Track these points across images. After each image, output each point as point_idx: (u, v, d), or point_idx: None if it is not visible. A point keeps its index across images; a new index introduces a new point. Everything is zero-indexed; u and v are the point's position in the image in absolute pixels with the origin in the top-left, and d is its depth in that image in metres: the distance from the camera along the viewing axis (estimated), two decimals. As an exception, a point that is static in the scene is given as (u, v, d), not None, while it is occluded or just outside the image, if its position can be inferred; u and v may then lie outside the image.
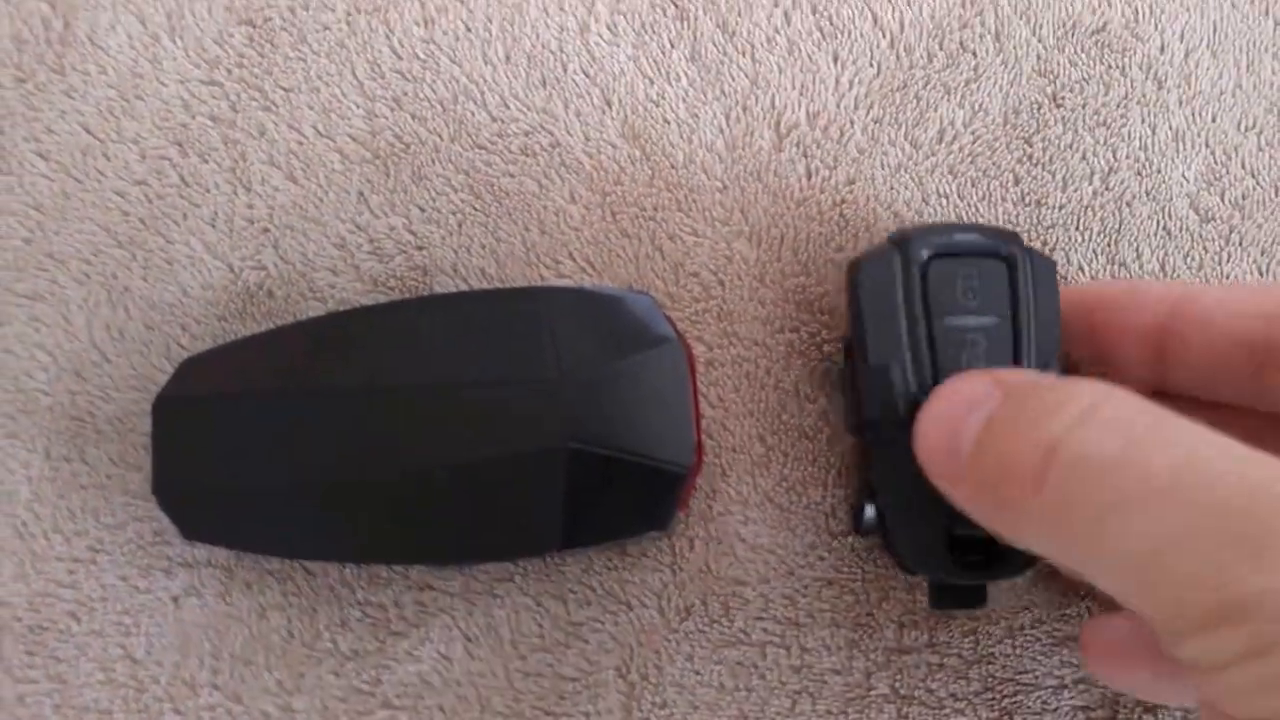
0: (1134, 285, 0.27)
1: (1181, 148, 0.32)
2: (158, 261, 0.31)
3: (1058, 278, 0.27)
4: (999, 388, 0.23)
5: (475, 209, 0.31)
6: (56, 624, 0.30)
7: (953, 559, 0.27)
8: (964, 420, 0.23)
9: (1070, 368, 0.28)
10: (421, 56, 0.32)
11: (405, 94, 0.32)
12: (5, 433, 0.30)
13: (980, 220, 0.31)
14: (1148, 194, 0.32)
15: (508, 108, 0.32)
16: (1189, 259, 0.32)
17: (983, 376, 0.24)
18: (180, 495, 0.28)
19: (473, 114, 0.31)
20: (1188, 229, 0.32)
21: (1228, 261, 0.32)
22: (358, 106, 0.31)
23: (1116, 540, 0.18)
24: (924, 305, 0.26)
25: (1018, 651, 0.29)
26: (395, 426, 0.27)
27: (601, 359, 0.27)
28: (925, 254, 0.27)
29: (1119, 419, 0.20)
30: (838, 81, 0.32)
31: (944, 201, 0.31)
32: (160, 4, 0.32)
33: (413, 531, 0.28)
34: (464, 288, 0.31)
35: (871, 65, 0.32)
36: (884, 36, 0.32)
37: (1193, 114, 0.32)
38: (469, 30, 0.32)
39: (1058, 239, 0.31)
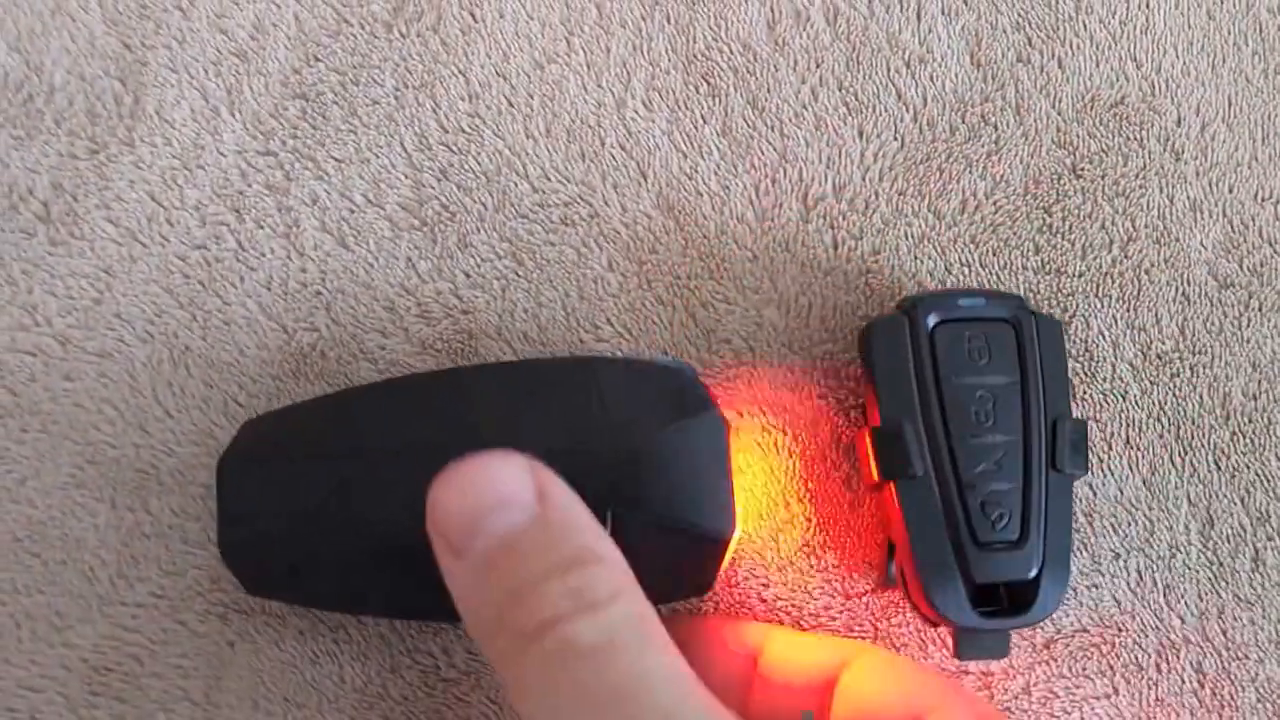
0: (729, 624, 0.29)
1: (1199, 217, 0.33)
2: (216, 323, 0.33)
3: (1064, 337, 0.29)
4: (539, 503, 0.22)
5: (518, 275, 0.33)
6: (120, 666, 0.31)
7: (975, 606, 0.28)
8: (488, 514, 0.22)
9: (1080, 425, 0.30)
10: (466, 130, 0.33)
11: (451, 165, 0.33)
12: (75, 483, 0.32)
13: (1002, 288, 0.33)
14: (1166, 261, 0.33)
15: (548, 179, 0.33)
16: (1209, 324, 0.33)
17: (524, 473, 0.23)
18: (245, 553, 0.29)
19: (515, 185, 0.33)
20: (1206, 295, 0.33)
21: (1247, 326, 0.33)
22: (406, 176, 0.33)
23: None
24: (933, 367, 0.28)
25: (1034, 707, 0.30)
26: None
27: (647, 428, 0.28)
28: (933, 319, 0.28)
29: (612, 621, 0.21)
30: (863, 155, 0.33)
31: (966, 270, 0.33)
32: (221, 80, 0.34)
33: None
34: (508, 351, 0.32)
35: (895, 139, 0.33)
36: (907, 111, 0.33)
37: (1210, 185, 0.33)
38: (511, 105, 0.33)
39: (1078, 306, 0.32)
